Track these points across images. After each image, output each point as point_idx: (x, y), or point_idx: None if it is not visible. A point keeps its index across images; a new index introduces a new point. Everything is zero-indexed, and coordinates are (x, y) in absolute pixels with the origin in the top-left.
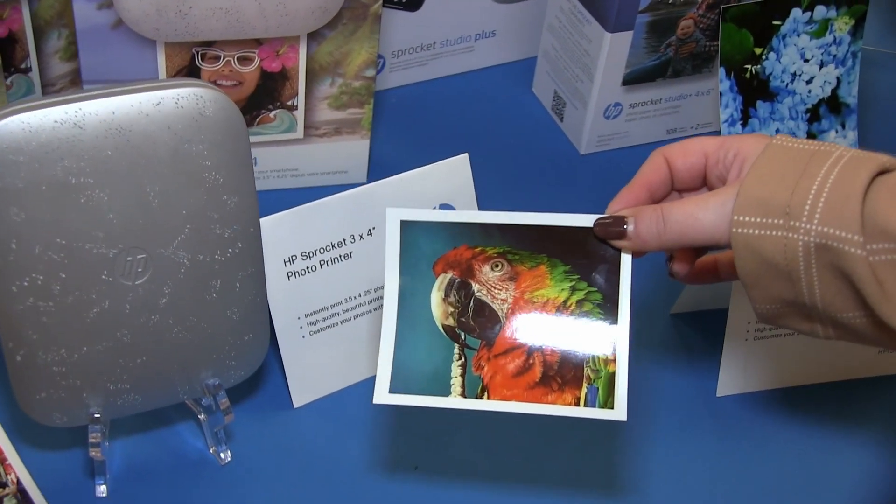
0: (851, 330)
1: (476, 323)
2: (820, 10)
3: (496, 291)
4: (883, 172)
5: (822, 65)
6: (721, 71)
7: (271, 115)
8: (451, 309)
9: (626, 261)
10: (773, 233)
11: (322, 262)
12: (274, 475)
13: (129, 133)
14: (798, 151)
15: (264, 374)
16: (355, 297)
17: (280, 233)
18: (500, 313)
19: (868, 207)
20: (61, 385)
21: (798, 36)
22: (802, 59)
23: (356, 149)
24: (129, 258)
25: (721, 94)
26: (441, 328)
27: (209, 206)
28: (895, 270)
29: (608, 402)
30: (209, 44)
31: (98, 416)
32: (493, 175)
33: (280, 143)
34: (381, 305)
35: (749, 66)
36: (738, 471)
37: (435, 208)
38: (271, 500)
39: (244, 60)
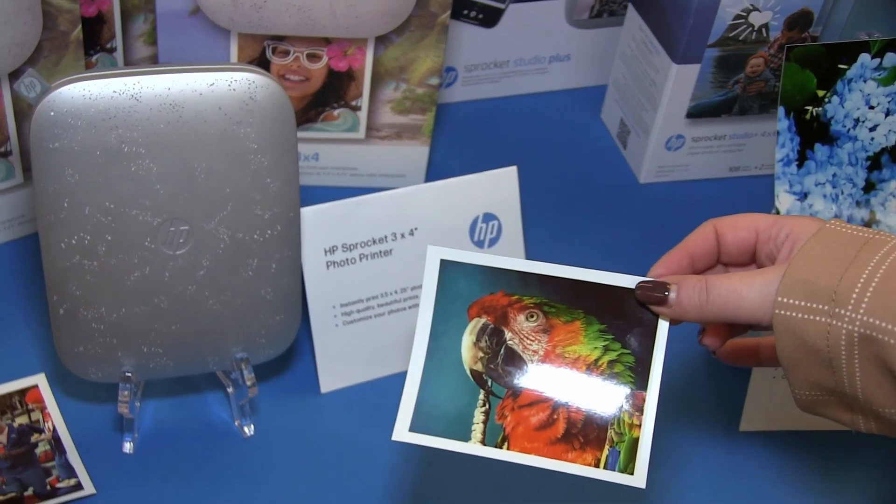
0: (893, 425)
1: (504, 371)
2: (890, 58)
3: (528, 342)
4: None
5: (888, 113)
6: (780, 110)
7: (335, 113)
8: (482, 354)
9: (662, 327)
10: (817, 318)
11: (362, 256)
12: (293, 455)
13: (182, 109)
14: (851, 237)
15: (295, 358)
16: (391, 294)
17: (323, 223)
18: (529, 364)
19: None
20: (98, 342)
21: (865, 81)
22: (867, 105)
23: (415, 154)
24: (171, 228)
25: (778, 132)
26: (469, 372)
27: (252, 187)
28: None
29: (629, 468)
30: (280, 38)
31: (129, 375)
32: (550, 194)
33: (342, 141)
34: (416, 305)
35: (810, 108)
36: None
37: (478, 217)
38: (288, 478)
39: (313, 57)
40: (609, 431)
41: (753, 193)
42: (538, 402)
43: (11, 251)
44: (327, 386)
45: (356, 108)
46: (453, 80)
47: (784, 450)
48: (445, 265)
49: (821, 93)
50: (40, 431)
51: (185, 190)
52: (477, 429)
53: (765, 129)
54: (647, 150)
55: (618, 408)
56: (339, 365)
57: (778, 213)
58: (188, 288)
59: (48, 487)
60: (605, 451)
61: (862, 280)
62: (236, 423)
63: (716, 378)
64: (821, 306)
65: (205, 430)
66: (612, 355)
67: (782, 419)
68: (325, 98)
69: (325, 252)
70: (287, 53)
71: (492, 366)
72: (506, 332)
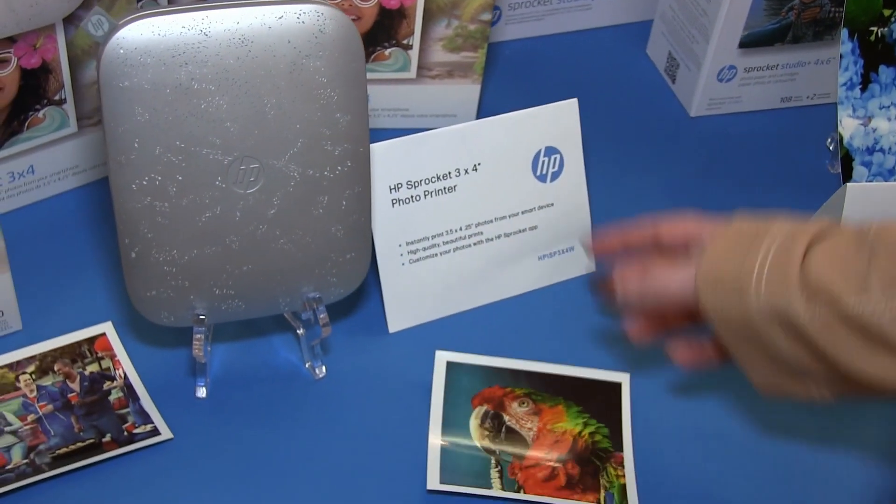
0: (834, 382)
1: (508, 444)
2: None
3: (523, 422)
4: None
5: None
6: (844, 32)
7: (386, 52)
8: (487, 433)
9: (625, 402)
10: (732, 305)
11: (426, 193)
12: (364, 395)
13: (251, 44)
14: (744, 233)
15: (361, 298)
16: (456, 231)
17: (388, 160)
18: (527, 438)
19: (805, 271)
20: (170, 285)
21: None
22: None
23: (467, 93)
24: (242, 167)
25: (841, 55)
26: (479, 445)
27: (322, 122)
28: (835, 322)
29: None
30: None
31: (203, 317)
32: (600, 131)
33: (393, 81)
34: (481, 241)
35: (875, 29)
36: (815, 432)
37: (540, 150)
38: (359, 418)
39: None
40: (602, 480)
41: (805, 124)
42: (540, 463)
43: (66, 202)
44: (395, 325)
45: (408, 47)
46: (497, 19)
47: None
48: (451, 366)
49: (887, 12)
50: (112, 379)
51: (256, 127)
52: (496, 483)
53: (818, 57)
54: (698, 83)
55: (603, 466)
56: (405, 304)
57: (840, 138)
58: (259, 227)
59: (125, 433)
60: (602, 494)
61: (756, 267)
62: (306, 365)
63: None
64: (731, 296)
65: (274, 373)
66: (591, 428)
67: None
68: (376, 37)
69: (391, 189)
70: None
71: (497, 440)
72: (504, 415)
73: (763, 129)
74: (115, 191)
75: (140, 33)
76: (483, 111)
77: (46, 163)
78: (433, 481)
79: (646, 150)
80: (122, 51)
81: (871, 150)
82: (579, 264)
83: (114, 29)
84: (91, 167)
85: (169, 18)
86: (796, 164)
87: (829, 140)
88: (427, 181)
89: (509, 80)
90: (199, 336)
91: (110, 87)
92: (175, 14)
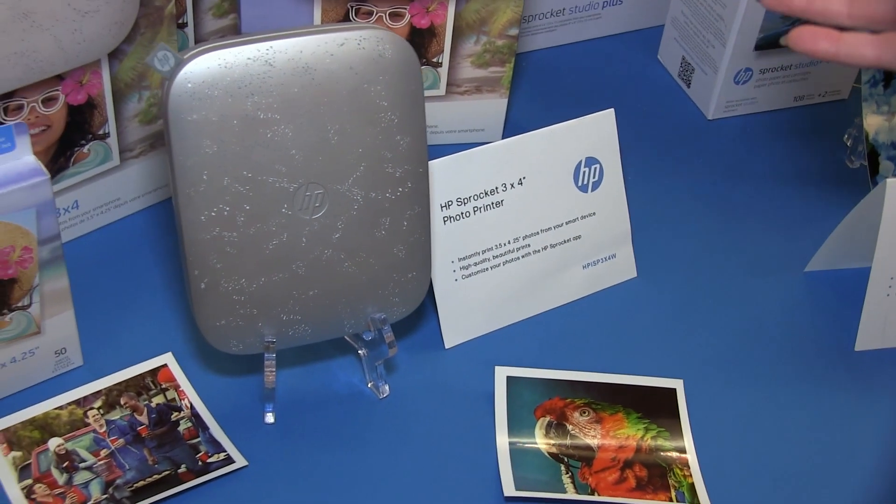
0: None
1: (574, 451)
2: None
3: (586, 430)
4: None
5: None
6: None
7: None
8: (553, 442)
9: (682, 406)
10: None
11: (475, 209)
12: (428, 410)
13: (315, 72)
14: None
15: (415, 316)
16: (505, 244)
17: (440, 178)
18: (593, 445)
19: None
20: (239, 313)
21: None
22: None
23: (494, 107)
24: (307, 193)
25: None
26: (547, 454)
27: (383, 145)
28: None
29: (695, 501)
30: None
31: (273, 343)
32: (622, 138)
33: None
34: (529, 254)
35: None
36: (876, 425)
37: (581, 161)
38: (427, 433)
39: (395, 16)
40: (670, 480)
41: (819, 121)
42: (608, 468)
43: (108, 235)
44: (451, 341)
45: (438, 65)
46: None
47: None
48: (511, 380)
49: None
50: (178, 409)
51: (319, 153)
52: (569, 487)
53: None
54: (715, 87)
55: (669, 468)
56: (459, 319)
57: (867, 135)
58: (325, 252)
59: (199, 463)
60: (673, 493)
61: None
62: (369, 385)
63: (825, 303)
64: None
65: (337, 395)
66: (653, 433)
67: None
68: None
69: (441, 207)
70: (370, 14)
71: (563, 449)
72: (567, 425)
73: (778, 127)
74: (184, 223)
75: (207, 66)
76: (507, 124)
77: (90, 197)
78: (509, 488)
79: (668, 154)
80: (189, 85)
81: None
82: (621, 271)
83: (181, 63)
84: (131, 199)
85: (235, 51)
86: (815, 160)
87: (846, 136)
88: (476, 197)
89: (525, 92)
90: (270, 362)
91: (179, 121)
92: (240, 45)
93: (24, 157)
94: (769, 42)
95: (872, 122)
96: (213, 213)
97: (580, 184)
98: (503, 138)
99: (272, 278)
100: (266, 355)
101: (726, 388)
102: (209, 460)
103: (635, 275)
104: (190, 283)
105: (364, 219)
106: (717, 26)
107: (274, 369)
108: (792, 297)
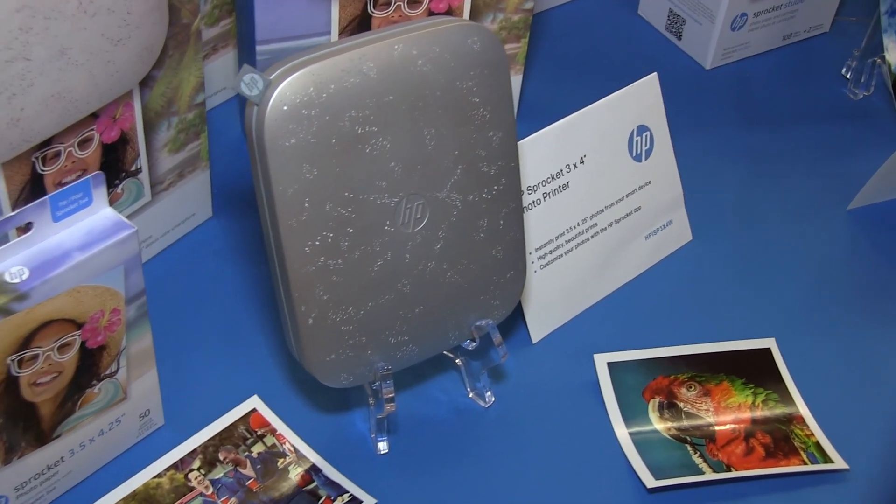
0: None
1: (694, 428)
2: None
3: (698, 405)
4: None
5: None
6: None
7: None
8: (670, 423)
9: (780, 364)
10: None
11: (545, 195)
12: (536, 410)
13: (406, 75)
14: None
15: None
16: (575, 227)
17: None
18: (710, 420)
19: None
20: (349, 344)
21: None
22: None
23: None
24: (408, 206)
25: None
26: (668, 437)
27: (477, 144)
28: None
29: (827, 460)
30: None
31: (390, 370)
32: None
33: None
34: (597, 233)
35: None
36: None
37: (633, 130)
38: (542, 433)
39: (413, 3)
40: (795, 443)
41: (810, 57)
42: (732, 440)
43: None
44: (537, 335)
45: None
46: None
47: None
48: (612, 366)
49: None
50: (283, 455)
51: (418, 161)
52: (704, 467)
53: None
54: (712, 36)
55: (790, 429)
56: (543, 311)
57: (889, 66)
58: (428, 265)
59: None
60: (804, 455)
61: None
62: (470, 395)
63: (870, 238)
64: None
65: (439, 413)
66: (762, 397)
67: None
68: None
69: None
70: (388, 5)
71: (682, 428)
72: (678, 402)
73: (774, 67)
74: (288, 257)
75: (302, 84)
76: (521, 102)
77: None
78: (649, 480)
79: (673, 110)
80: (285, 108)
81: None
82: (679, 236)
83: (271, 85)
84: (162, 235)
85: (327, 64)
86: (816, 95)
87: (845, 69)
88: (543, 183)
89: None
90: (388, 389)
91: (276, 148)
92: (330, 58)
93: (102, 210)
94: None
95: (894, 51)
96: (318, 242)
97: (634, 153)
98: (518, 117)
99: (379, 301)
100: (384, 383)
101: (812, 336)
102: None
103: (691, 238)
104: (294, 321)
105: (463, 224)
106: None
107: (393, 396)
108: (843, 236)
